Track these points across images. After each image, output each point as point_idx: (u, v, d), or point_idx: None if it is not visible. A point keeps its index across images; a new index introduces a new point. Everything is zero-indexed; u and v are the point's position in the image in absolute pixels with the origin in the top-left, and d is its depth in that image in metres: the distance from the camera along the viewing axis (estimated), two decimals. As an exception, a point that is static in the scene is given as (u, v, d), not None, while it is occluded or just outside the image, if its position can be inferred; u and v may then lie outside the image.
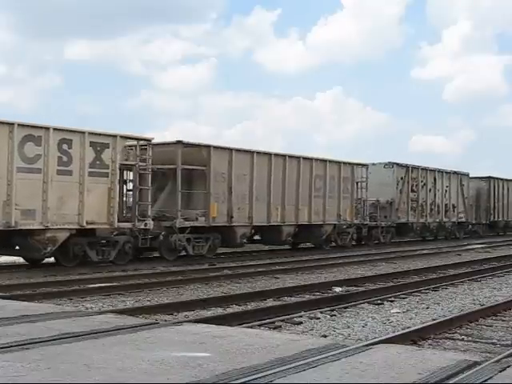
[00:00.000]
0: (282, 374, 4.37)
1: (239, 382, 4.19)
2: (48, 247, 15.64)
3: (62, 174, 15.75)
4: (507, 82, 79.50)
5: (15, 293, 11.78)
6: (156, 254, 19.49)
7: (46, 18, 63.47)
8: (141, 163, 17.66)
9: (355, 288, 13.66)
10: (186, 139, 19.29)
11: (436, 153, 71.53)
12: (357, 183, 26.04)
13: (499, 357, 6.51)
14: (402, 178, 29.86)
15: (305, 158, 23.36)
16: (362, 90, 78.93)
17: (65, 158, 15.80)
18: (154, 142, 18.30)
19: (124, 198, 18.59)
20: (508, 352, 7.15)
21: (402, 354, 5.23)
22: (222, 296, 12.27)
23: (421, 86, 76.29)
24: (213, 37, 70.67)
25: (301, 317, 9.93)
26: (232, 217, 20.23)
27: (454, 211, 34.05)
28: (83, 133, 16.20)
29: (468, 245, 29.73)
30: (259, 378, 4.28)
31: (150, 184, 18.00)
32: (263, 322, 9.37)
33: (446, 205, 33.25)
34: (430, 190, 31.83)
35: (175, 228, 18.64)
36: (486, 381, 4.41)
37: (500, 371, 4.74)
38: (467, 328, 9.35)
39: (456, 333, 8.93)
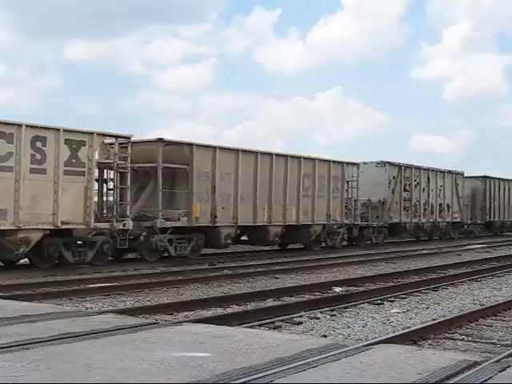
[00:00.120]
0: (281, 374, 4.37)
1: (239, 382, 4.19)
2: (21, 248, 15.20)
3: (35, 172, 15.27)
4: (507, 82, 79.56)
5: (15, 293, 11.78)
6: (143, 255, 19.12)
7: (46, 18, 63.51)
8: (120, 161, 17.17)
9: (355, 288, 13.66)
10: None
11: (436, 153, 71.58)
12: (347, 182, 25.58)
13: (499, 357, 6.51)
14: (394, 178, 29.46)
15: (292, 157, 22.89)
16: (362, 90, 79.00)
17: (38, 156, 15.31)
18: (134, 139, 17.90)
19: (104, 198, 18.09)
20: (508, 352, 7.15)
21: (402, 354, 5.23)
22: (222, 296, 12.27)
23: (421, 86, 76.35)
24: (213, 37, 70.74)
25: (301, 317, 9.93)
26: (216, 217, 19.77)
27: (448, 211, 33.64)
28: (58, 130, 15.67)
29: (468, 245, 29.71)
30: (259, 377, 4.28)
31: (129, 183, 17.58)
32: (263, 322, 9.37)
33: (440, 204, 32.88)
34: (423, 190, 31.46)
35: (156, 228, 18.22)
36: (485, 381, 4.41)
37: (500, 371, 4.74)
38: (467, 328, 9.34)
39: (456, 333, 8.93)
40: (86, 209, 16.23)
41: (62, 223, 15.76)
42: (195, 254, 19.66)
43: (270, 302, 11.59)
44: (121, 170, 17.42)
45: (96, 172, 17.15)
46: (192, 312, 10.32)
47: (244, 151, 21.01)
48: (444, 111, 79.25)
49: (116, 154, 17.16)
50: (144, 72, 68.96)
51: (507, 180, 40.88)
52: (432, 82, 76.44)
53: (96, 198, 17.42)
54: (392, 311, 10.72)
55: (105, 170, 17.99)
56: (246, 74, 73.71)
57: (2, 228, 14.91)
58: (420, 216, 31.30)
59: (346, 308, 10.87)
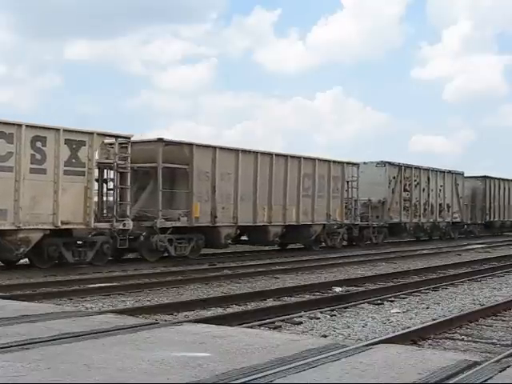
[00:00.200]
0: (282, 374, 4.38)
1: (239, 382, 4.19)
2: (21, 248, 15.17)
3: (35, 172, 15.26)
4: (507, 82, 79.56)
5: (15, 293, 11.78)
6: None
7: (46, 18, 63.53)
8: (120, 161, 17.14)
9: (355, 288, 13.66)
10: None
11: (436, 153, 71.58)
12: (347, 182, 25.53)
13: (499, 357, 6.51)
14: (394, 178, 29.39)
15: (292, 157, 22.84)
16: (362, 90, 79.01)
17: (38, 156, 15.30)
18: (134, 139, 17.88)
19: (104, 198, 18.07)
20: (508, 352, 7.15)
21: (402, 354, 5.23)
22: (222, 296, 12.27)
23: (421, 86, 76.35)
24: (213, 37, 70.74)
25: (301, 317, 9.93)
26: (216, 217, 19.73)
27: (448, 211, 33.56)
28: (58, 130, 15.64)
29: (468, 245, 29.70)
30: (259, 377, 4.28)
31: (129, 183, 17.55)
32: (263, 321, 9.37)
33: (440, 204, 32.79)
34: (423, 190, 31.38)
35: (156, 228, 18.19)
36: (485, 381, 4.41)
37: (500, 371, 4.74)
38: (467, 328, 9.34)
39: (456, 333, 8.93)
40: (85, 209, 16.20)
41: (62, 223, 15.74)
42: (195, 254, 19.63)
43: (270, 302, 11.59)
44: (121, 170, 17.40)
45: (96, 172, 17.13)
46: (192, 312, 10.32)
47: (244, 151, 20.96)
48: (444, 111, 79.34)
49: (116, 154, 17.14)
50: (144, 72, 69.04)
51: (507, 180, 40.75)
52: (432, 82, 76.53)
53: (96, 198, 17.38)
54: (392, 311, 10.72)
55: (105, 170, 17.98)
56: (246, 74, 73.80)
57: (2, 228, 14.89)
58: (420, 216, 31.23)
59: (345, 308, 10.87)
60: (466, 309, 10.98)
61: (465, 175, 35.68)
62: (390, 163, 29.39)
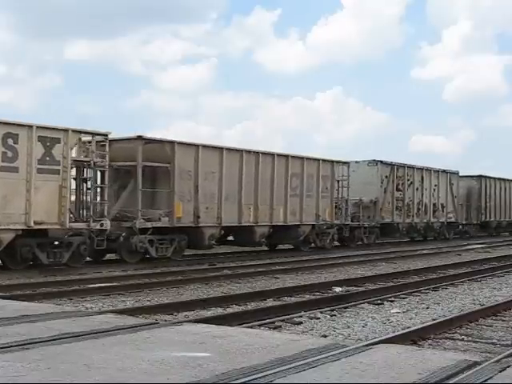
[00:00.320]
0: (282, 374, 4.38)
1: (239, 382, 4.19)
2: None
3: (6, 170, 14.77)
4: (507, 82, 79.55)
5: (15, 293, 11.78)
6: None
7: (46, 18, 63.52)
8: (97, 159, 16.59)
9: (355, 288, 13.66)
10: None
11: (436, 153, 71.52)
12: (338, 182, 25.06)
13: (499, 357, 6.51)
14: (386, 177, 28.87)
15: (279, 155, 22.35)
16: (362, 90, 78.98)
17: (10, 154, 14.80)
18: (114, 137, 17.45)
19: (84, 197, 17.16)
20: (508, 352, 7.15)
21: (402, 354, 5.23)
22: (222, 296, 12.27)
23: (421, 86, 76.32)
24: (213, 37, 70.73)
25: (301, 317, 9.94)
26: (199, 217, 19.19)
27: (442, 211, 32.98)
28: (31, 127, 15.14)
29: (468, 245, 29.69)
30: (259, 377, 4.28)
31: (106, 182, 17.17)
32: (263, 321, 9.37)
33: (434, 204, 32.22)
34: (417, 189, 30.85)
35: (135, 229, 17.66)
36: (485, 381, 4.41)
37: (500, 371, 4.74)
38: (467, 328, 9.35)
39: (456, 333, 8.94)
40: (60, 208, 15.67)
41: (35, 223, 15.21)
42: (178, 255, 19.07)
43: (270, 302, 11.59)
44: (98, 169, 16.94)
45: (74, 170, 16.56)
46: (192, 312, 10.32)
47: (228, 149, 20.47)
48: (444, 111, 79.30)
49: (93, 152, 16.54)
50: (144, 72, 69.03)
51: (503, 179, 40.00)
52: (432, 82, 76.50)
53: (74, 198, 16.76)
54: (392, 311, 10.72)
55: (84, 169, 17.15)
56: (246, 74, 73.78)
57: None
58: (413, 216, 30.66)
59: (346, 308, 10.87)
60: (466, 309, 10.98)
61: (460, 174, 35.07)
62: (382, 162, 28.86)
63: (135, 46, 68.29)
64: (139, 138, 18.17)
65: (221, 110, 71.22)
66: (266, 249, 23.90)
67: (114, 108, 69.65)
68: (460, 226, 35.99)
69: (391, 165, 29.43)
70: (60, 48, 68.82)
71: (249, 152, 21.23)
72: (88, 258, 17.28)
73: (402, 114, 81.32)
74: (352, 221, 26.50)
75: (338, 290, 13.29)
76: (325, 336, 8.47)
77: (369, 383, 4.27)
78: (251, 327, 8.47)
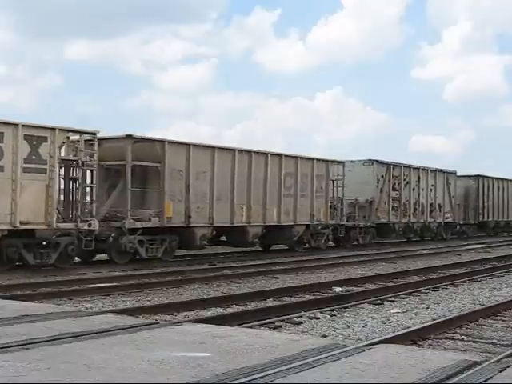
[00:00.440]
0: (282, 374, 4.38)
1: (239, 382, 4.19)
2: None
3: None
4: (507, 81, 79.58)
5: (15, 293, 11.78)
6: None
7: (46, 18, 63.54)
8: (85, 159, 16.29)
9: (355, 288, 13.66)
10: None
11: (436, 153, 71.53)
12: (333, 181, 24.80)
13: (499, 357, 6.51)
14: (382, 176, 28.57)
15: (273, 155, 22.09)
16: (362, 90, 79.00)
17: None
18: (103, 136, 17.22)
19: (72, 197, 16.68)
20: (508, 352, 7.15)
21: (402, 354, 5.23)
22: (222, 296, 12.27)
23: (421, 86, 76.35)
24: (213, 37, 70.73)
25: (301, 317, 9.94)
26: (190, 217, 18.90)
27: (439, 211, 32.65)
28: (16, 125, 14.86)
29: (468, 245, 29.69)
30: (259, 377, 4.28)
31: (95, 181, 16.93)
32: (263, 321, 9.37)
33: (431, 204, 31.90)
34: (413, 189, 30.52)
35: (124, 229, 17.41)
36: (485, 381, 4.41)
37: (500, 371, 4.74)
38: (467, 328, 9.35)
39: (456, 333, 8.94)
40: (47, 208, 15.39)
41: (21, 223, 14.94)
42: (169, 255, 18.81)
43: (270, 302, 11.59)
44: (87, 168, 16.63)
45: (62, 170, 16.27)
46: (192, 312, 10.32)
47: (220, 148, 20.23)
48: (444, 111, 79.31)
49: (81, 151, 16.20)
50: (144, 72, 69.04)
51: (501, 179, 39.60)
52: (432, 82, 76.52)
53: (62, 197, 16.53)
54: (392, 311, 10.72)
55: (72, 168, 16.81)
56: (246, 74, 73.79)
57: None
58: (410, 216, 30.31)
59: (346, 308, 10.87)
60: (466, 309, 10.98)
61: (458, 174, 34.71)
62: (378, 162, 28.57)
63: (135, 46, 68.37)
64: (128, 136, 17.84)
65: (221, 109, 71.29)
66: (260, 249, 23.63)
67: (114, 108, 69.73)
68: (458, 226, 35.63)
69: (387, 164, 29.18)
70: (60, 48, 68.90)
71: (241, 151, 20.97)
72: (77, 259, 17.02)
73: (401, 113, 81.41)
74: (347, 221, 26.23)
75: (337, 289, 13.29)
76: (325, 336, 8.47)
77: (369, 383, 4.27)
78: (251, 327, 8.47)
